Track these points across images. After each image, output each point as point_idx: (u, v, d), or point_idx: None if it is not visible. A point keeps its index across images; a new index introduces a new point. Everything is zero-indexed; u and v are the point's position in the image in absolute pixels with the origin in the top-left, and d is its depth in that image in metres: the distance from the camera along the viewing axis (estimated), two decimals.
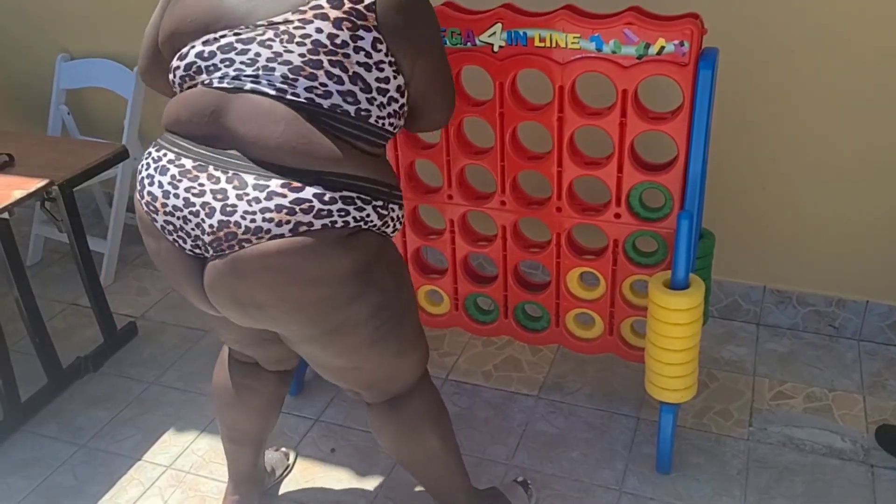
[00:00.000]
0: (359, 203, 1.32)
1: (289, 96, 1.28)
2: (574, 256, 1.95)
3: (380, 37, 1.32)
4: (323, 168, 1.29)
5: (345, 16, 1.29)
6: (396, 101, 1.37)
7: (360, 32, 1.30)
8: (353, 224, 1.31)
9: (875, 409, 2.08)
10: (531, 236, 2.04)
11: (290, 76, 1.28)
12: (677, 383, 1.82)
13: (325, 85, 1.29)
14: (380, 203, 1.36)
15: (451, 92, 1.53)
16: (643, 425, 2.07)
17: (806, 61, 2.03)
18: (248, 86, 1.29)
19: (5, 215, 1.98)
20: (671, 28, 1.64)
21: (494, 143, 1.88)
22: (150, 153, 1.40)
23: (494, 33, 1.74)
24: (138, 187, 1.39)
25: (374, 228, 1.36)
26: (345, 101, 1.30)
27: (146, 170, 1.38)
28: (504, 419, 2.10)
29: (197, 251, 1.34)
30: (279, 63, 1.29)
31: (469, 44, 1.76)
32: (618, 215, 1.86)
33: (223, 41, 1.32)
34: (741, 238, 2.30)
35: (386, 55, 1.33)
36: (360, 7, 1.30)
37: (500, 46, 1.74)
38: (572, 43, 1.70)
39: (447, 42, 1.77)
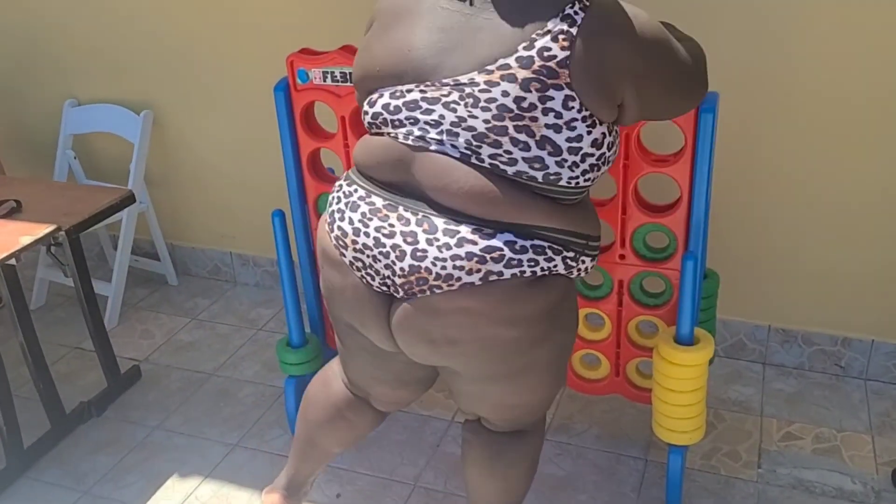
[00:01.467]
0: (549, 253, 1.31)
1: (473, 160, 1.27)
2: (579, 297, 1.96)
3: (573, 94, 1.23)
4: (512, 219, 1.28)
5: (534, 76, 1.22)
6: (592, 154, 1.30)
7: (550, 92, 1.23)
8: (540, 273, 1.31)
9: (884, 449, 2.06)
10: None
11: (474, 143, 1.26)
12: (685, 425, 1.81)
13: (510, 152, 1.25)
14: (571, 254, 1.34)
15: (693, 86, 1.42)
16: (651, 467, 2.05)
17: (805, 103, 2.06)
18: (433, 147, 1.29)
19: (12, 261, 1.99)
20: None
21: None
22: (340, 186, 1.41)
23: None
24: (328, 219, 1.41)
25: (560, 273, 1.35)
26: (531, 167, 1.26)
27: (336, 203, 1.39)
28: None
29: (384, 289, 1.35)
30: (463, 129, 1.26)
31: None
32: (622, 256, 1.87)
33: (409, 97, 1.30)
34: (745, 277, 2.31)
35: (579, 111, 1.25)
36: (551, 64, 1.22)
37: None
38: None
39: None
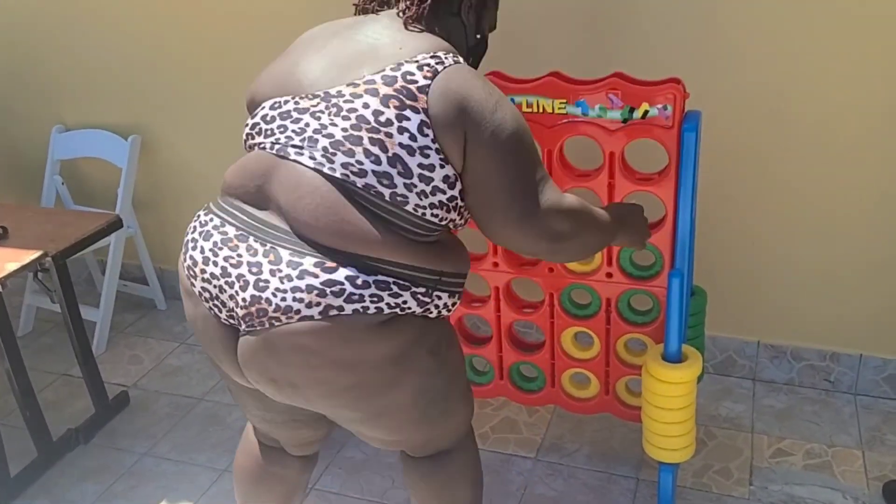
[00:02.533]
0: (394, 289, 1.28)
1: (325, 170, 1.28)
2: (567, 316, 1.96)
3: (427, 121, 1.27)
4: (357, 250, 1.26)
5: (394, 93, 1.27)
6: (443, 191, 1.30)
7: (408, 112, 1.27)
8: (387, 311, 1.27)
9: (875, 464, 2.06)
10: (524, 297, 2.04)
11: (330, 150, 1.28)
12: (676, 443, 1.81)
13: (362, 163, 1.27)
14: (421, 290, 1.31)
15: (531, 210, 1.33)
16: (643, 486, 2.04)
17: (788, 120, 2.08)
18: (292, 155, 1.31)
19: None
20: (654, 93, 1.68)
21: None
22: (198, 215, 1.41)
23: None
24: (182, 249, 1.41)
25: (412, 314, 1.31)
26: (379, 182, 1.27)
27: (192, 233, 1.39)
28: (502, 483, 2.07)
29: (231, 321, 1.33)
30: (322, 135, 1.29)
31: None
32: (609, 275, 1.88)
33: (284, 107, 1.35)
34: (734, 294, 2.31)
35: (433, 141, 1.28)
36: (412, 87, 1.28)
37: None
38: (559, 108, 1.74)
39: None
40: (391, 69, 1.30)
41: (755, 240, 2.25)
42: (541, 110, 1.75)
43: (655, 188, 1.77)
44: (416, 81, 1.28)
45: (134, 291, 2.99)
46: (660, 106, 1.67)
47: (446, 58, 1.33)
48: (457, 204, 1.34)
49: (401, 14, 1.41)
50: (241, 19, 2.46)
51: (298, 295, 1.25)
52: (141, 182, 2.82)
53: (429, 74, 1.29)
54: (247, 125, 1.42)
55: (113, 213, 2.35)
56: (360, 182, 1.27)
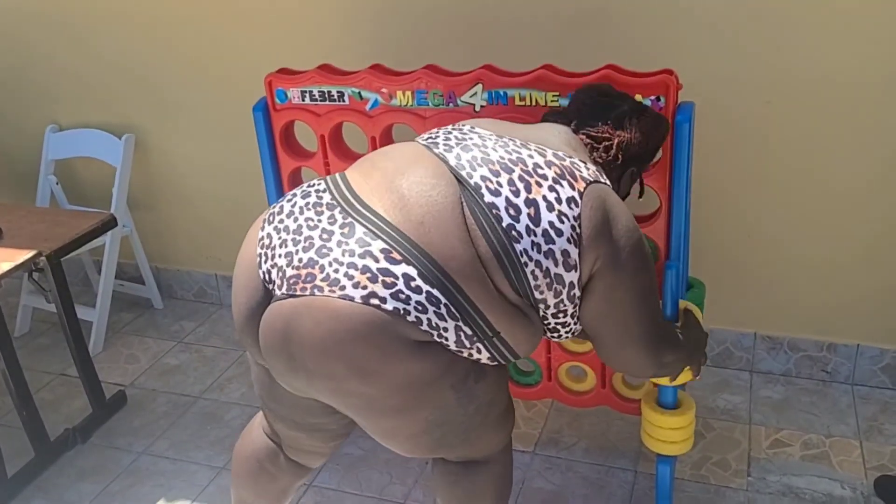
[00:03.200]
0: (443, 311, 1.22)
1: (464, 174, 1.30)
2: None
3: (577, 199, 1.32)
4: (433, 254, 1.23)
5: (558, 162, 1.35)
6: (556, 263, 1.29)
7: (564, 183, 1.32)
8: (424, 327, 1.22)
9: (872, 454, 2.06)
10: None
11: (479, 162, 1.32)
12: (674, 435, 1.81)
13: (501, 186, 1.29)
14: (468, 330, 1.25)
15: (645, 348, 1.42)
16: (641, 478, 2.04)
17: (782, 111, 2.08)
18: (440, 148, 1.38)
19: None
20: (647, 84, 1.67)
21: None
22: (315, 182, 1.43)
23: (476, 93, 1.77)
24: (281, 198, 1.43)
25: (446, 347, 1.26)
26: (506, 209, 1.27)
27: (300, 187, 1.41)
28: None
29: (268, 280, 1.31)
30: (478, 150, 1.35)
31: (451, 104, 1.80)
32: None
33: (460, 125, 1.47)
34: (730, 285, 2.31)
35: (575, 220, 1.31)
36: (576, 171, 1.36)
37: (482, 106, 1.78)
38: (552, 101, 1.73)
39: (429, 103, 1.80)
40: (563, 153, 1.38)
41: (751, 231, 2.25)
42: (534, 103, 1.74)
43: (650, 180, 1.76)
44: (581, 172, 1.35)
45: (130, 291, 2.99)
46: (653, 97, 1.67)
47: (606, 180, 1.41)
48: (563, 291, 1.31)
49: (591, 151, 1.46)
50: (235, 18, 2.45)
51: (351, 272, 1.23)
52: (135, 181, 2.82)
53: (591, 176, 1.36)
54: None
55: (107, 213, 2.34)
56: (487, 199, 1.27)
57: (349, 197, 1.33)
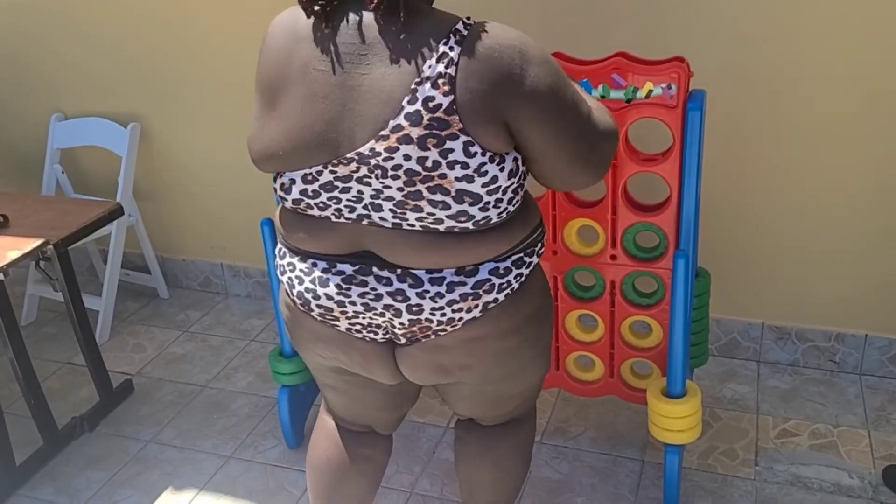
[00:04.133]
0: (526, 260, 1.34)
1: (405, 227, 1.26)
2: (572, 299, 1.95)
3: (470, 139, 1.17)
4: (481, 258, 1.28)
5: (427, 132, 1.16)
6: (511, 185, 1.25)
7: (448, 144, 1.16)
8: (524, 278, 1.34)
9: (881, 443, 2.06)
10: None
11: (398, 210, 1.23)
12: (681, 424, 1.80)
13: (433, 213, 1.22)
14: (537, 246, 1.38)
15: (589, 159, 1.30)
16: (648, 468, 2.04)
17: (791, 101, 2.07)
18: (364, 221, 1.27)
19: (0, 276, 1.98)
20: (658, 72, 1.66)
21: None
22: (293, 265, 1.36)
23: None
24: (299, 301, 1.36)
25: (532, 267, 1.38)
26: (458, 221, 1.23)
27: (300, 285, 1.35)
28: None
29: (387, 338, 1.36)
30: (383, 199, 1.23)
31: None
32: (613, 257, 1.87)
33: (322, 179, 1.25)
34: (738, 275, 2.31)
35: (483, 154, 1.18)
36: (439, 115, 1.15)
37: None
38: None
39: None
40: (409, 101, 1.16)
41: (759, 221, 2.24)
42: None
43: (660, 169, 1.75)
44: (441, 104, 1.15)
45: (136, 280, 2.99)
46: (664, 85, 1.66)
47: (446, 45, 1.16)
48: (523, 175, 1.28)
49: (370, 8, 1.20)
50: (241, 6, 2.44)
51: (456, 306, 1.28)
52: (141, 170, 2.81)
53: (446, 88, 1.15)
54: (281, 194, 1.30)
55: (113, 201, 2.34)
56: (441, 227, 1.24)
57: (362, 261, 1.31)
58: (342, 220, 1.28)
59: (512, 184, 1.24)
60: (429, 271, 1.28)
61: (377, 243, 1.29)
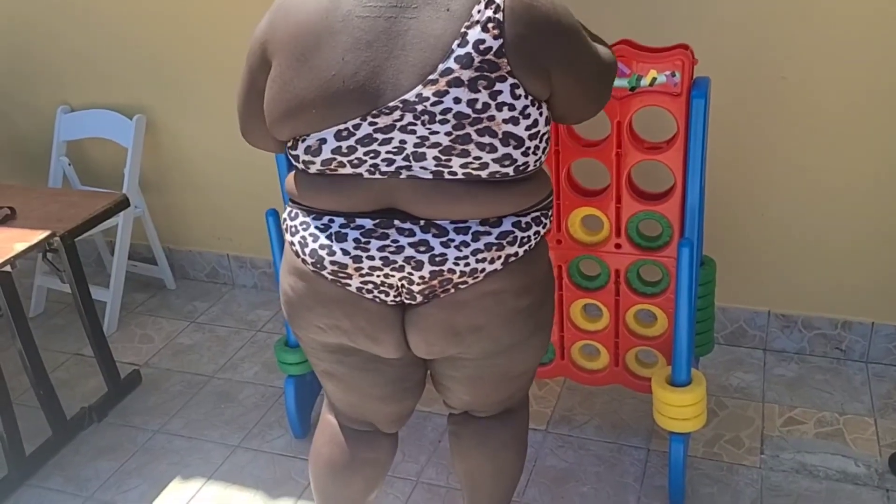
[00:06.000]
0: (544, 221, 1.37)
1: (446, 176, 1.24)
2: (576, 288, 1.95)
3: (516, 82, 1.21)
4: (506, 211, 1.29)
5: (478, 74, 1.18)
6: (547, 133, 1.30)
7: (498, 86, 1.20)
8: (538, 238, 1.36)
9: (887, 431, 2.06)
10: None
11: (443, 158, 1.22)
12: (687, 412, 1.81)
13: (480, 157, 1.23)
14: (550, 211, 1.40)
15: (605, 86, 1.41)
16: (654, 456, 2.04)
17: (798, 86, 2.05)
18: (403, 175, 1.24)
19: (7, 268, 1.99)
20: (662, 59, 1.66)
21: None
22: (307, 224, 1.33)
23: None
24: (311, 261, 1.32)
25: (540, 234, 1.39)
26: (502, 165, 1.24)
27: (314, 242, 1.31)
28: None
29: (398, 300, 1.33)
30: (428, 147, 1.21)
31: None
32: (618, 245, 1.86)
33: (360, 133, 1.22)
34: (743, 264, 2.30)
35: (526, 97, 1.23)
36: (490, 57, 1.18)
37: None
38: None
39: None
40: (459, 45, 1.18)
41: (765, 209, 2.23)
42: None
43: (664, 157, 1.75)
44: (491, 47, 1.18)
45: (143, 271, 3.00)
46: (668, 73, 1.65)
47: None
48: (549, 123, 1.33)
49: None
50: None
51: (481, 255, 1.27)
52: (147, 162, 2.82)
53: (496, 32, 1.18)
54: (306, 158, 1.28)
55: (120, 193, 2.35)
56: (484, 174, 1.24)
57: (385, 216, 1.29)
58: (376, 175, 1.25)
59: (547, 132, 1.30)
60: (453, 222, 1.27)
61: (410, 198, 1.26)
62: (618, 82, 1.69)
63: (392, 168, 1.24)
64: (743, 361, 2.36)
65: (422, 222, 1.27)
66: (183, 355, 2.62)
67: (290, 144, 1.32)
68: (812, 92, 2.05)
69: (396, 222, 1.27)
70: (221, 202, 2.86)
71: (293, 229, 1.36)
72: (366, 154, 1.24)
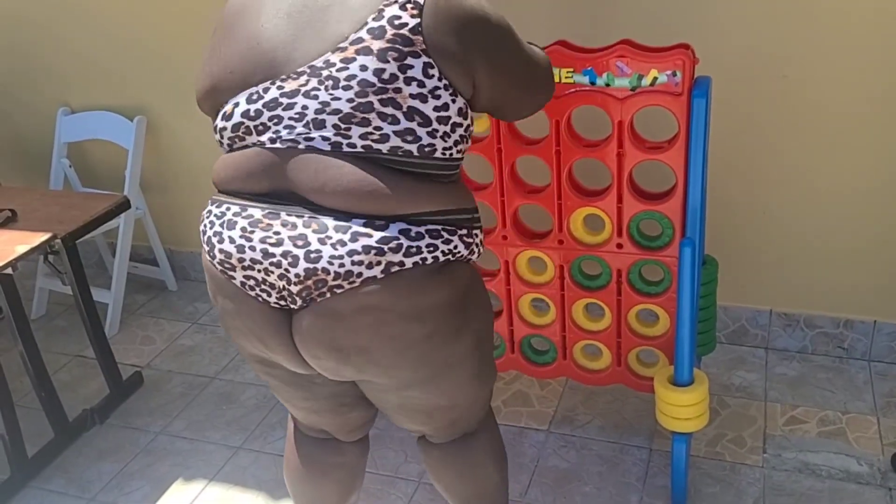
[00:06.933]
0: (445, 235, 1.26)
1: (345, 148, 1.21)
2: (578, 288, 1.95)
3: (430, 61, 1.20)
4: (399, 210, 1.22)
5: (389, 45, 1.18)
6: (460, 125, 1.26)
7: (409, 60, 1.19)
8: (442, 258, 1.26)
9: (890, 430, 2.05)
10: (534, 269, 2.04)
11: (342, 126, 1.20)
12: (689, 412, 1.80)
13: (380, 128, 1.20)
14: (464, 231, 1.30)
15: (539, 86, 1.43)
16: (656, 456, 2.04)
17: (799, 85, 2.05)
18: (302, 144, 1.22)
19: (9, 270, 1.99)
20: (663, 59, 1.65)
21: (493, 178, 1.89)
22: (210, 211, 1.32)
23: None
24: (206, 248, 1.32)
25: (461, 259, 1.31)
26: (403, 140, 1.21)
27: (211, 228, 1.30)
28: (515, 455, 2.08)
29: (282, 303, 1.26)
30: (328, 113, 1.20)
31: None
32: (620, 245, 1.86)
33: (267, 96, 1.23)
34: (745, 262, 2.30)
35: (440, 79, 1.21)
36: (404, 32, 1.19)
37: None
38: (566, 77, 1.72)
39: None
40: (374, 19, 1.20)
41: (766, 207, 2.22)
42: None
43: (665, 156, 1.75)
44: (407, 23, 1.19)
45: (144, 273, 3.00)
46: (669, 72, 1.65)
47: None
48: (470, 132, 1.31)
49: None
50: None
51: (357, 258, 1.20)
52: (148, 163, 2.82)
53: (414, 11, 1.20)
54: (223, 128, 1.29)
55: (120, 195, 2.35)
56: (384, 147, 1.21)
57: (278, 203, 1.25)
58: (277, 145, 1.24)
59: (461, 123, 1.26)
60: (336, 218, 1.21)
61: (306, 177, 1.22)
62: (619, 82, 1.69)
63: (292, 136, 1.23)
64: (745, 360, 2.36)
65: (306, 216, 1.22)
66: (184, 357, 2.62)
67: (214, 121, 1.34)
68: (813, 91, 2.05)
69: (283, 214, 1.24)
70: None
71: (201, 219, 1.37)
72: (270, 119, 1.24)
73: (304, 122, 1.22)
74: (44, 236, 2.07)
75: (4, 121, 3.02)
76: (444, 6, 1.21)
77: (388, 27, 1.19)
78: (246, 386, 2.45)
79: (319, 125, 1.21)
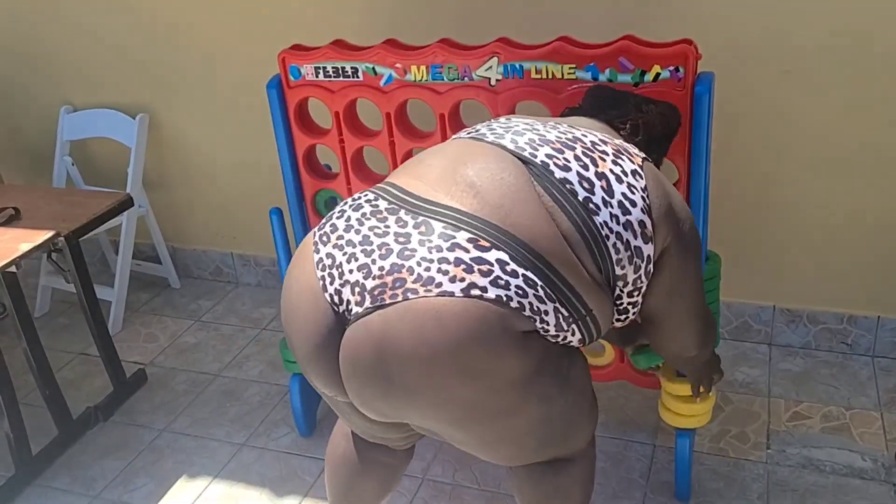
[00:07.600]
0: (541, 293, 1.19)
1: (526, 154, 1.28)
2: None
3: (640, 172, 1.33)
4: (520, 235, 1.20)
5: (610, 139, 1.36)
6: (635, 236, 1.27)
7: (623, 159, 1.32)
8: (527, 312, 1.18)
9: (894, 425, 2.05)
10: None
11: (537, 142, 1.30)
12: (693, 409, 1.80)
13: (568, 161, 1.27)
14: (565, 312, 1.22)
15: (698, 328, 1.48)
16: (660, 452, 2.04)
17: (801, 80, 2.05)
18: (489, 138, 1.33)
19: (12, 268, 1.99)
20: (666, 54, 1.65)
21: None
22: (357, 196, 1.36)
23: (491, 67, 1.75)
24: (324, 221, 1.34)
25: (547, 335, 1.23)
26: (579, 183, 1.24)
27: (342, 205, 1.35)
28: None
29: (336, 302, 1.22)
30: (531, 131, 1.33)
31: (466, 78, 1.78)
32: None
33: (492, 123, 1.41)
34: (748, 258, 2.29)
35: (644, 190, 1.30)
36: (629, 148, 1.36)
37: (497, 80, 1.76)
38: (568, 73, 1.71)
39: (444, 78, 1.79)
40: (605, 136, 1.36)
41: (769, 204, 2.22)
42: (550, 76, 1.72)
43: (669, 151, 1.74)
44: (632, 149, 1.36)
45: (147, 270, 3.01)
46: (672, 68, 1.64)
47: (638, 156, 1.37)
48: (641, 266, 1.29)
49: (618, 132, 1.46)
50: None
51: (444, 267, 1.16)
52: (150, 161, 2.82)
53: (641, 153, 1.37)
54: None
55: (123, 193, 2.35)
56: (558, 174, 1.24)
57: (408, 198, 1.27)
58: (468, 136, 1.38)
59: (636, 236, 1.28)
60: (445, 226, 1.20)
61: (472, 160, 1.29)
62: (621, 78, 1.68)
63: (486, 135, 1.37)
64: (748, 356, 2.36)
65: (420, 218, 1.23)
66: (188, 354, 2.62)
67: None
68: (815, 85, 2.04)
69: (401, 212, 1.25)
70: (225, 200, 2.86)
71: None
72: (482, 123, 1.45)
73: (507, 127, 1.38)
74: (47, 234, 2.07)
75: (7, 119, 3.02)
76: (662, 179, 1.38)
77: (614, 142, 1.37)
78: (249, 383, 2.45)
79: (518, 133, 1.35)
